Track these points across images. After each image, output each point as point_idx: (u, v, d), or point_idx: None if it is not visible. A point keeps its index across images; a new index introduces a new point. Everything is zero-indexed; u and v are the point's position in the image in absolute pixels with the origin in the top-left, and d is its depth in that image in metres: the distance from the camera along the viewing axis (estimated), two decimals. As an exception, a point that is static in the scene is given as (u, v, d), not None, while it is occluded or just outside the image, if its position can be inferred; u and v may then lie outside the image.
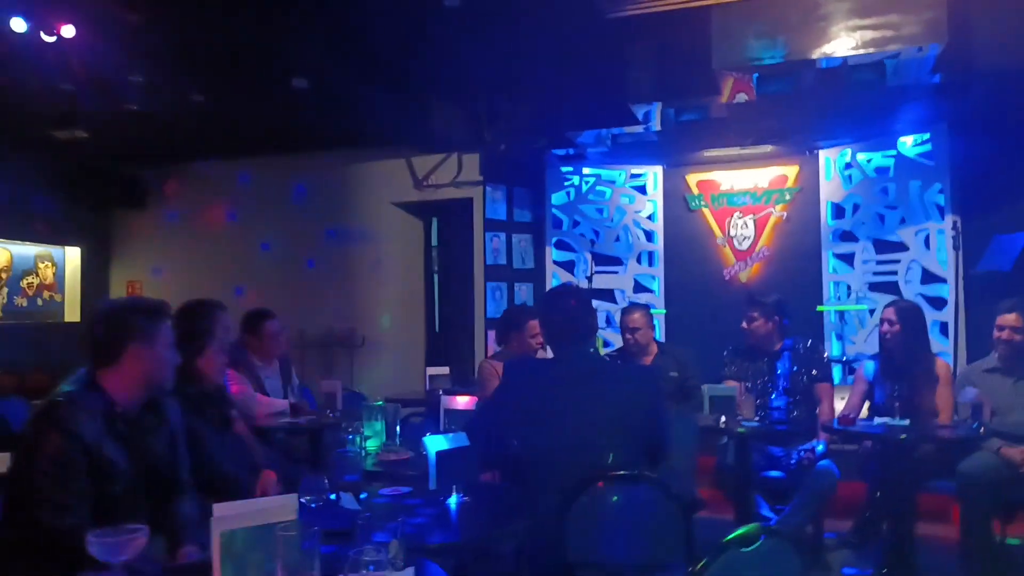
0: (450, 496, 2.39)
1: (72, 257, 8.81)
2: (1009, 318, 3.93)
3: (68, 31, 4.58)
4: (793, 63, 4.86)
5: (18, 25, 4.51)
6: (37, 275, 8.52)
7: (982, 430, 3.59)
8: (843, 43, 4.61)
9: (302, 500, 2.08)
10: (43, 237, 8.47)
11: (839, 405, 4.33)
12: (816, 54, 4.70)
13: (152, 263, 8.76)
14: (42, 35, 4.57)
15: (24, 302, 8.38)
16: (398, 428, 3.49)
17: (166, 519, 2.31)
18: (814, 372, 4.29)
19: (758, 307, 4.33)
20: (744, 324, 4.36)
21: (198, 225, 8.49)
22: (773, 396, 4.28)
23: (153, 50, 5.15)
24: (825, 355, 4.52)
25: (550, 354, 4.39)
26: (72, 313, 8.73)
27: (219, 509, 1.60)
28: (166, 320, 2.37)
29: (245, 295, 7.58)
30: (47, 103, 6.04)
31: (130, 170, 8.60)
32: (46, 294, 8.59)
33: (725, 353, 4.50)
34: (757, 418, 3.95)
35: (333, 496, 2.29)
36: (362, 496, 2.38)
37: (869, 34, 4.55)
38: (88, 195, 8.48)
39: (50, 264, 8.64)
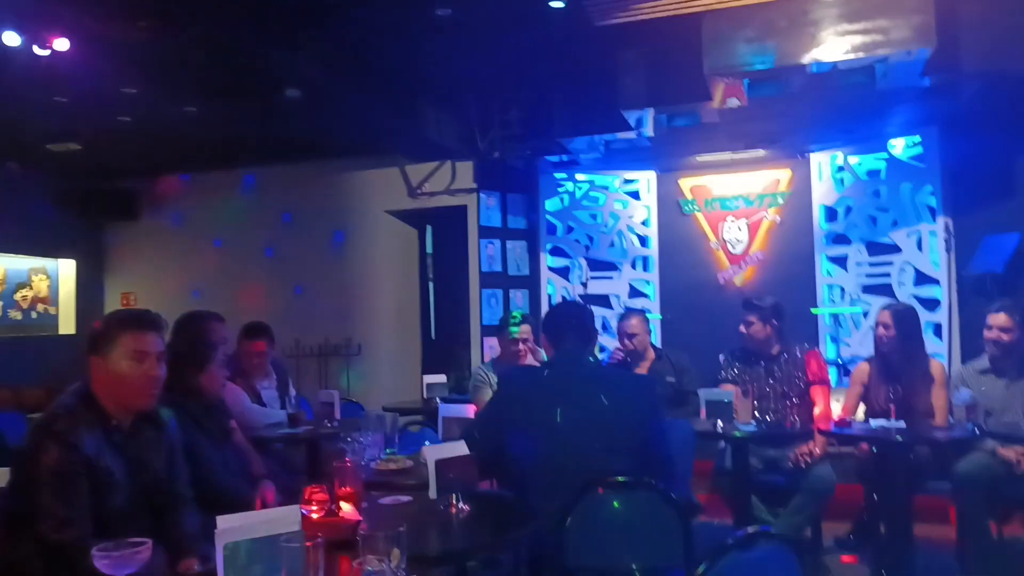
0: (450, 504, 2.40)
1: (66, 270, 8.80)
2: (999, 318, 3.96)
3: (62, 44, 4.58)
4: (783, 68, 4.89)
5: (11, 39, 4.50)
6: (31, 288, 8.50)
7: (977, 431, 3.62)
8: (833, 48, 4.64)
9: (304, 511, 2.09)
10: (37, 250, 8.45)
11: (835, 407, 4.35)
12: (806, 59, 4.73)
13: (146, 275, 8.76)
14: (35, 49, 4.56)
15: (19, 315, 8.36)
16: (397, 437, 3.50)
17: (166, 532, 2.31)
18: (811, 375, 4.31)
19: (756, 311, 4.34)
20: (742, 328, 4.37)
21: (190, 236, 8.49)
22: (771, 399, 4.30)
23: (147, 62, 5.16)
24: (822, 358, 4.54)
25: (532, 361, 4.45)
26: (67, 326, 8.71)
27: (223, 521, 1.61)
28: (129, 331, 2.26)
29: (240, 306, 7.58)
30: (41, 116, 6.05)
31: (124, 182, 8.59)
32: (40, 307, 8.57)
33: (722, 357, 4.51)
34: (754, 422, 3.97)
35: (333, 506, 2.30)
36: (363, 505, 2.38)
37: (859, 39, 4.58)
38: (82, 207, 8.49)
39: (44, 277, 8.63)
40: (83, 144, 6.87)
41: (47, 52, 4.58)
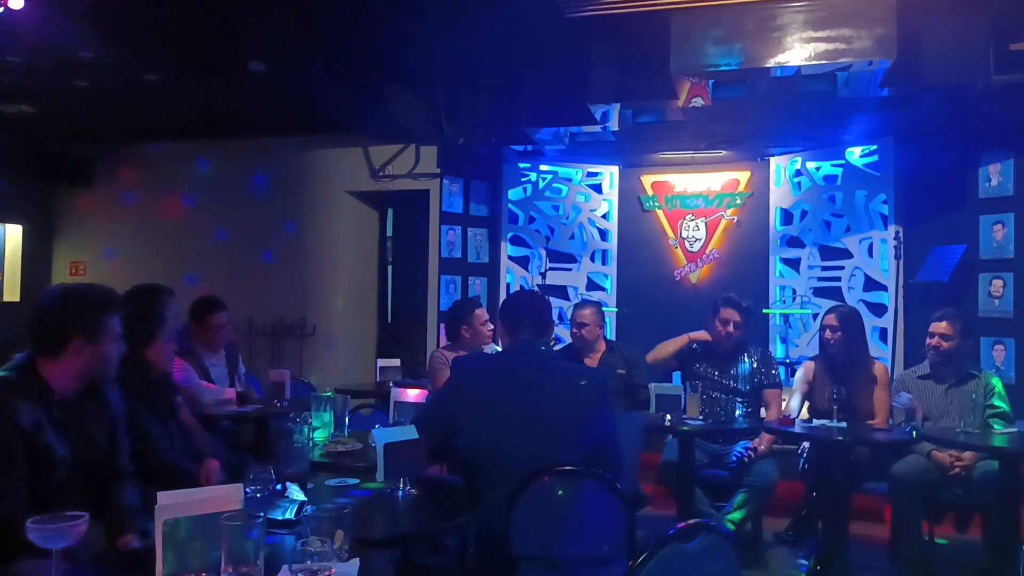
0: (397, 488, 2.40)
1: (13, 234, 8.53)
2: (940, 326, 4.09)
3: (16, 3, 4.43)
4: (749, 70, 4.95)
5: (-37, -6, 4.35)
6: (-25, 252, 8.24)
7: (914, 434, 3.73)
8: (797, 53, 4.71)
9: (248, 490, 2.07)
10: (-18, 213, 8.20)
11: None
12: (771, 63, 4.79)
13: (97, 243, 8.53)
14: (-11, 6, 4.41)
15: (-40, 280, 8.11)
16: (347, 419, 3.48)
17: (106, 506, 2.28)
18: (764, 378, 4.40)
19: (741, 311, 4.38)
20: (719, 327, 4.40)
21: (145, 206, 8.29)
22: (723, 396, 4.38)
23: (106, 26, 5.01)
24: (775, 361, 4.63)
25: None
26: (11, 293, 8.46)
27: (163, 497, 1.59)
28: (113, 313, 2.30)
29: (194, 281, 7.45)
30: (-8, 75, 5.85)
31: (77, 148, 8.36)
32: (-16, 272, 8.31)
33: (695, 346, 4.54)
34: (701, 417, 4.04)
35: (279, 486, 2.28)
36: (309, 487, 2.37)
37: (822, 46, 4.66)
38: (32, 171, 8.22)
39: (-11, 241, 8.37)
40: (36, 106, 6.66)
41: (1, 9, 4.42)
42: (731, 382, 4.40)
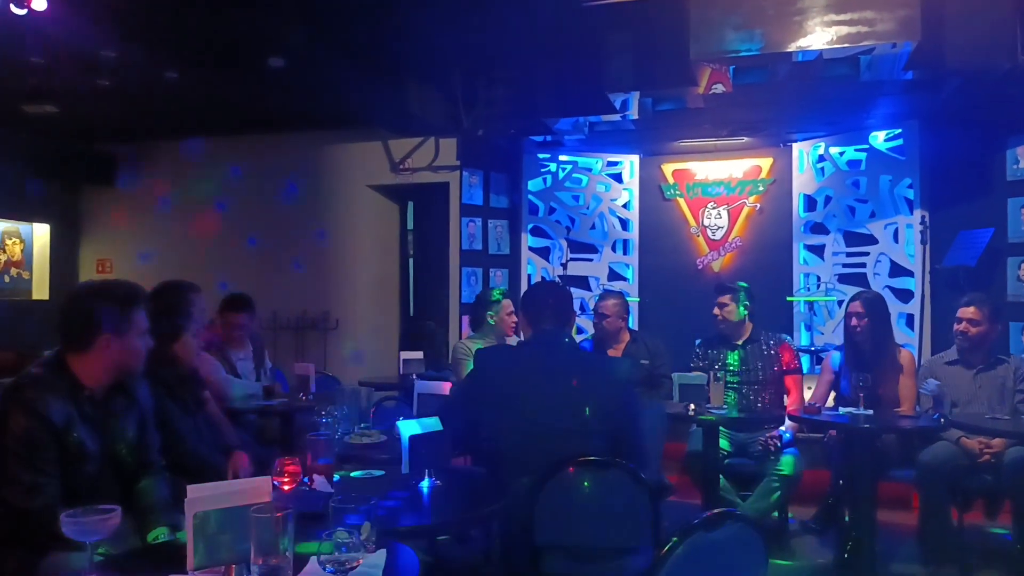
0: (422, 480, 2.42)
1: (41, 234, 8.66)
2: (968, 311, 4.03)
3: (40, 4, 4.48)
4: (769, 55, 4.90)
5: (-13, -3, 4.41)
6: (4, 252, 8.36)
7: (943, 420, 3.69)
8: (818, 37, 4.66)
9: (275, 482, 2.10)
10: (11, 213, 8.31)
11: (807, 395, 4.42)
12: (792, 47, 4.74)
13: (123, 241, 8.64)
14: (12, 7, 4.46)
15: (-9, 279, 8.24)
16: (371, 412, 3.51)
17: (137, 500, 2.32)
18: (784, 365, 4.37)
19: (729, 292, 4.40)
20: (716, 311, 4.43)
21: (169, 203, 8.38)
22: (741, 384, 4.36)
23: (127, 25, 5.06)
24: (794, 348, 4.60)
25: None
26: (40, 291, 8.59)
27: (193, 491, 1.61)
28: (139, 308, 2.34)
29: (218, 275, 7.52)
30: (17, 77, 5.92)
31: (101, 146, 8.46)
32: (14, 271, 8.44)
33: (697, 343, 4.55)
34: (725, 406, 4.02)
35: (306, 479, 2.31)
36: (335, 479, 2.39)
37: (844, 29, 4.60)
38: (58, 171, 8.33)
39: (18, 241, 8.49)
40: (60, 106, 6.74)
41: (24, 11, 4.48)
42: (750, 370, 4.37)
